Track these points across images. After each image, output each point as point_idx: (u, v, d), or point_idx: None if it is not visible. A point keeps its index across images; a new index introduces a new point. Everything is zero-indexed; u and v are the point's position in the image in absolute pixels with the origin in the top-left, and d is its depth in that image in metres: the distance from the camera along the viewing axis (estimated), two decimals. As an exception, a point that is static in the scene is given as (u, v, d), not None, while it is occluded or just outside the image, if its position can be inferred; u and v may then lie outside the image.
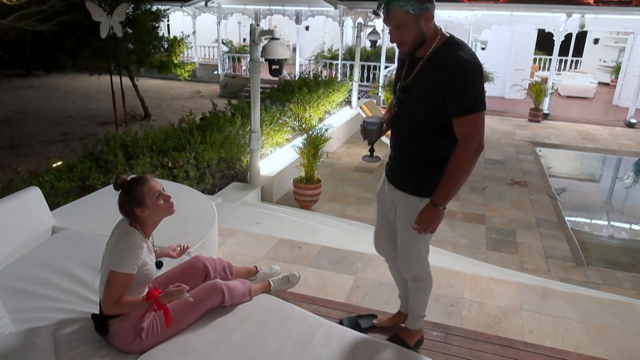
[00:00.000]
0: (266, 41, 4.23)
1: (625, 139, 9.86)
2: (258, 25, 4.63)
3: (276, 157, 6.19)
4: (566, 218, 5.68)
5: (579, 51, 17.69)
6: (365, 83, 12.91)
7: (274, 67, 4.18)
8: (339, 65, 13.66)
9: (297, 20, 13.65)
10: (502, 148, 8.77)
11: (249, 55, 5.91)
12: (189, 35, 12.07)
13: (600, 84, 15.99)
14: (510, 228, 5.22)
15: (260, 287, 2.46)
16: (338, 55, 13.84)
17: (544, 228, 5.25)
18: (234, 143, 5.35)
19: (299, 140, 5.80)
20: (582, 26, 11.21)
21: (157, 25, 10.42)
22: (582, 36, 16.37)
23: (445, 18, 12.48)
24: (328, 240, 3.73)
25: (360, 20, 13.15)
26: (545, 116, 11.45)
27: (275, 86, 8.58)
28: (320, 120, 8.24)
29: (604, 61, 17.73)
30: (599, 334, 2.58)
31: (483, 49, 12.24)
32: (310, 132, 5.60)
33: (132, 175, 2.00)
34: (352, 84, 10.23)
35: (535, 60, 15.87)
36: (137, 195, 1.90)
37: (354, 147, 8.46)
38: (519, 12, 11.51)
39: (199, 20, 15.86)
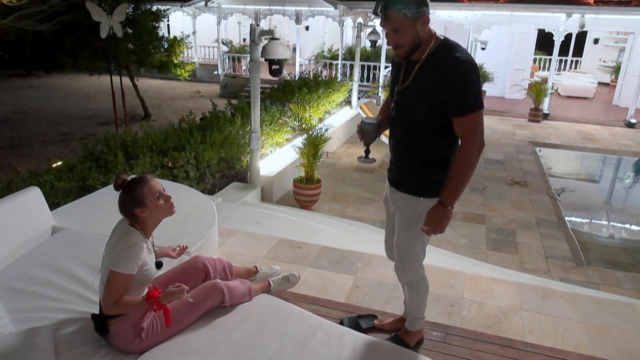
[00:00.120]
0: (266, 41, 4.23)
1: (625, 139, 9.86)
2: (258, 25, 4.63)
3: (276, 157, 6.19)
4: (566, 218, 5.69)
5: (579, 51, 17.70)
6: (365, 83, 12.91)
7: (274, 67, 4.18)
8: (339, 65, 13.66)
9: (297, 20, 13.65)
10: (502, 148, 8.77)
11: (249, 55, 5.91)
12: (189, 35, 12.07)
13: (600, 84, 16.00)
14: (510, 228, 5.22)
15: (260, 287, 2.46)
16: (338, 55, 13.83)
17: (544, 228, 5.25)
18: (234, 143, 5.35)
19: (299, 140, 5.80)
20: (582, 26, 11.22)
21: (157, 25, 10.42)
22: (582, 36, 16.38)
23: (445, 18, 12.48)
24: (328, 240, 3.73)
25: (360, 20, 13.15)
26: (545, 116, 11.45)
27: (275, 86, 8.58)
28: (320, 120, 8.24)
29: (604, 61, 17.74)
30: (599, 334, 2.58)
31: (483, 49, 12.25)
32: (310, 132, 5.60)
33: (133, 176, 2.00)
34: (352, 84, 10.22)
35: (535, 60, 15.87)
36: (138, 195, 1.90)
37: (354, 147, 8.46)
38: (519, 12, 11.51)
39: (199, 20, 15.86)
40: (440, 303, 2.81)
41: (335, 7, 12.74)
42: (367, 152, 2.26)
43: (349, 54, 13.64)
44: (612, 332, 2.60)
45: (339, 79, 10.69)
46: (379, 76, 13.21)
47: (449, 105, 1.80)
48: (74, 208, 3.26)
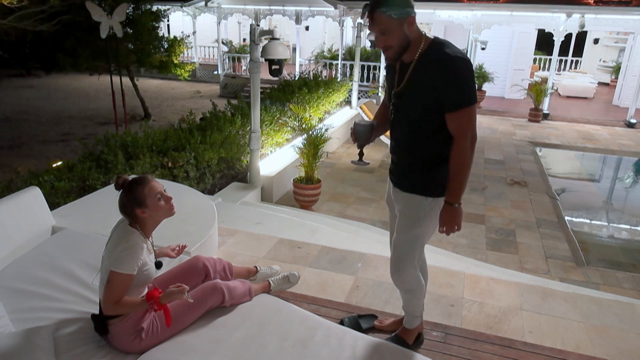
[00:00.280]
0: (266, 41, 4.23)
1: (625, 139, 9.86)
2: (258, 25, 4.63)
3: (276, 157, 6.19)
4: (566, 218, 5.69)
5: (579, 51, 17.70)
6: (365, 83, 12.91)
7: (274, 67, 4.18)
8: (339, 65, 13.66)
9: (297, 20, 13.65)
10: (502, 148, 8.77)
11: (249, 55, 5.91)
12: (189, 35, 12.06)
13: (600, 84, 16.00)
14: (510, 228, 5.22)
15: (260, 287, 2.46)
16: (338, 55, 13.83)
17: (544, 228, 5.25)
18: (234, 143, 5.35)
19: (299, 140, 5.80)
20: (582, 26, 11.22)
21: (157, 25, 10.41)
22: (582, 36, 16.38)
23: (445, 18, 12.49)
24: (328, 240, 3.73)
25: (360, 20, 13.14)
26: (545, 116, 11.45)
27: (275, 86, 8.58)
28: (320, 120, 8.24)
29: (604, 61, 17.74)
30: (599, 334, 2.58)
31: (483, 49, 12.24)
32: (310, 132, 5.60)
33: (134, 176, 2.00)
34: (352, 84, 10.22)
35: (535, 60, 15.88)
36: (138, 195, 1.90)
37: (354, 147, 8.36)
38: (519, 12, 11.51)
39: (199, 20, 15.86)
40: (440, 303, 2.80)
41: (335, 7, 12.74)
42: (361, 154, 2.29)
43: (349, 54, 13.64)
44: (612, 332, 2.60)
45: (339, 79, 10.69)
46: (379, 76, 13.20)
47: (442, 101, 1.83)
48: (74, 208, 3.26)
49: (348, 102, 10.41)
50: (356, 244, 3.68)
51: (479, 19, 11.86)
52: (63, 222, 2.96)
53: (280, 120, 6.43)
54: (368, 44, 12.86)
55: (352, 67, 12.60)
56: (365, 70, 13.17)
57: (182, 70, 11.55)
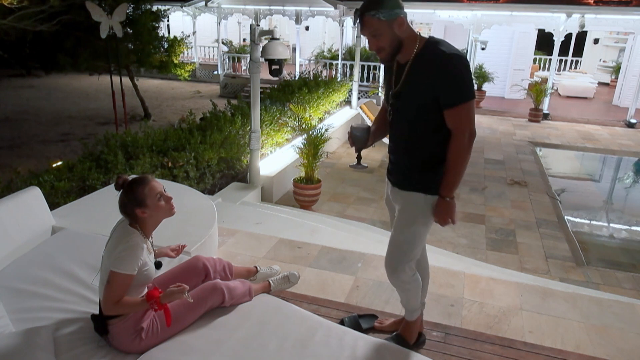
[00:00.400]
0: (266, 41, 4.23)
1: (625, 139, 9.86)
2: (258, 25, 4.63)
3: (276, 157, 6.19)
4: (566, 218, 5.69)
5: (579, 51, 17.70)
6: (365, 83, 12.91)
7: (274, 67, 4.18)
8: (339, 65, 13.66)
9: (297, 21, 13.65)
10: (502, 148, 8.77)
11: (249, 55, 5.91)
12: (189, 35, 12.06)
13: (600, 84, 16.00)
14: (510, 228, 5.22)
15: (260, 287, 2.46)
16: (338, 55, 13.83)
17: (544, 228, 5.25)
18: (234, 143, 5.35)
19: (299, 140, 5.80)
20: (582, 26, 11.21)
21: (157, 25, 10.41)
22: (582, 36, 16.38)
23: (445, 18, 12.49)
24: (328, 240, 3.73)
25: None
26: (545, 116, 11.45)
27: (275, 86, 8.58)
28: (320, 120, 8.23)
29: (604, 61, 17.74)
30: (599, 334, 2.58)
31: (483, 49, 12.25)
32: (310, 132, 5.60)
33: (134, 176, 2.00)
34: (352, 84, 10.22)
35: (535, 60, 15.88)
36: (139, 195, 1.90)
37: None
38: (519, 12, 11.51)
39: (199, 20, 15.86)
40: (440, 303, 2.80)
41: (335, 7, 12.74)
42: (359, 158, 2.30)
43: (349, 54, 13.64)
44: (612, 332, 2.60)
45: (339, 79, 10.69)
46: (379, 76, 13.21)
47: (440, 98, 1.84)
48: (74, 208, 3.26)
49: (348, 102, 10.41)
50: (356, 244, 3.68)
51: (479, 19, 11.86)
52: (63, 222, 2.96)
53: (280, 120, 6.43)
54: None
55: (352, 67, 12.60)
56: (365, 70, 13.17)
57: (182, 70, 11.55)
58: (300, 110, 6.63)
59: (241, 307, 2.22)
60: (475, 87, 12.68)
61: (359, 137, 2.15)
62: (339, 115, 9.30)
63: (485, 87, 12.94)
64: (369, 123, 7.98)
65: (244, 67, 14.91)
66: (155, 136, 4.87)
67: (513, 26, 12.82)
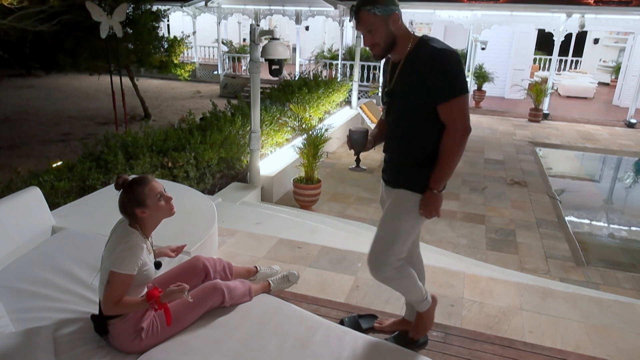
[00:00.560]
0: (266, 41, 4.23)
1: (625, 139, 9.86)
2: (258, 25, 4.63)
3: (276, 157, 6.19)
4: (566, 218, 5.68)
5: (579, 51, 17.70)
6: (365, 83, 12.91)
7: (274, 67, 4.18)
8: (339, 65, 13.66)
9: (297, 20, 13.65)
10: (502, 148, 8.77)
11: (249, 55, 5.91)
12: (189, 35, 12.06)
13: (600, 84, 16.00)
14: (510, 228, 5.22)
15: (260, 287, 2.46)
16: (338, 55, 13.83)
17: (544, 228, 5.25)
18: (234, 143, 5.35)
19: (299, 140, 5.80)
20: (582, 26, 11.21)
21: (157, 25, 10.41)
22: (582, 36, 16.38)
23: (445, 18, 12.49)
24: (328, 240, 3.73)
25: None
26: (545, 116, 11.45)
27: (275, 86, 8.58)
28: (320, 120, 8.23)
29: (604, 61, 17.74)
30: (599, 334, 2.58)
31: (483, 49, 12.24)
32: (310, 132, 5.60)
33: (134, 176, 2.00)
34: (352, 84, 10.22)
35: (535, 60, 15.88)
36: (139, 195, 1.90)
37: (354, 147, 8.44)
38: (519, 12, 11.51)
39: (199, 20, 15.86)
40: (440, 303, 2.79)
41: (335, 7, 12.74)
42: (358, 161, 2.33)
43: (349, 54, 13.64)
44: (612, 332, 2.60)
45: (339, 79, 10.69)
46: (379, 76, 13.20)
47: (433, 94, 1.85)
48: (74, 208, 3.26)
49: (348, 102, 10.41)
50: (356, 244, 3.68)
51: (479, 19, 11.86)
52: (63, 222, 2.96)
53: (280, 120, 6.42)
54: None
55: (352, 67, 12.60)
56: (365, 70, 13.17)
57: (182, 70, 11.55)
58: (300, 110, 6.63)
59: (241, 307, 2.22)
60: (475, 87, 12.84)
61: (358, 141, 2.17)
62: (339, 115, 9.29)
63: (485, 87, 12.95)
64: (369, 123, 7.99)
65: (244, 67, 14.92)
66: (155, 136, 4.87)
67: (513, 26, 12.82)
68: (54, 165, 4.69)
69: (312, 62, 14.64)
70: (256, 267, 2.69)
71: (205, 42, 16.83)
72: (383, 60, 2.19)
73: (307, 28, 17.59)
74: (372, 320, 2.54)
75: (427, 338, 2.40)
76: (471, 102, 12.70)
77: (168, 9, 12.60)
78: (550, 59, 12.90)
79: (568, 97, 14.63)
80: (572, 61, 17.58)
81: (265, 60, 4.22)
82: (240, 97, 7.23)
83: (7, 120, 10.67)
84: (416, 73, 1.88)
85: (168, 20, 16.67)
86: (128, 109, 9.60)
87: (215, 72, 15.70)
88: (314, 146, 5.47)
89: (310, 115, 7.37)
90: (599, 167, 9.04)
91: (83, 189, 3.90)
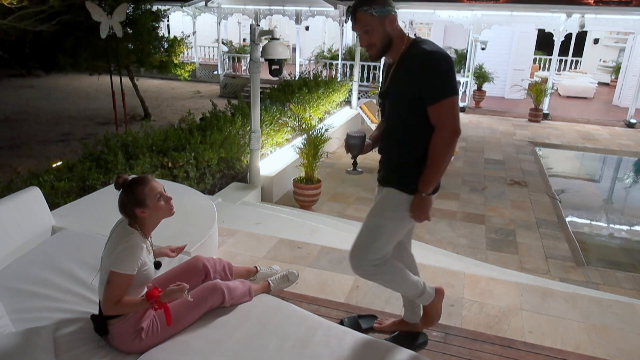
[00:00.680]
0: (266, 41, 4.23)
1: (625, 139, 9.86)
2: (258, 25, 4.63)
3: (276, 157, 6.19)
4: (566, 218, 5.69)
5: (579, 51, 17.70)
6: (365, 83, 12.91)
7: (274, 67, 4.18)
8: (339, 65, 13.66)
9: (297, 21, 13.65)
10: (502, 148, 8.77)
11: (249, 55, 5.90)
12: (189, 35, 12.06)
13: (600, 84, 16.00)
14: (510, 228, 5.22)
15: (260, 287, 2.46)
16: (338, 55, 13.83)
17: (544, 228, 5.25)
18: (234, 143, 5.35)
19: (299, 140, 5.80)
20: (582, 26, 11.21)
21: (157, 25, 10.41)
22: (582, 36, 16.38)
23: (445, 18, 12.48)
24: (328, 240, 3.73)
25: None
26: (545, 116, 11.46)
27: (275, 86, 8.58)
28: (320, 120, 8.24)
29: (604, 61, 17.74)
30: (599, 334, 2.58)
31: (483, 49, 12.24)
32: (310, 132, 5.60)
33: (134, 175, 2.01)
34: (352, 84, 10.22)
35: (535, 60, 15.88)
36: (138, 195, 1.90)
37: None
38: (519, 12, 11.51)
39: (199, 20, 15.85)
40: (440, 303, 2.80)
41: (335, 7, 12.74)
42: (355, 164, 2.33)
43: (349, 54, 13.64)
44: (612, 332, 2.60)
45: (339, 79, 10.69)
46: (379, 76, 13.20)
47: (423, 95, 1.86)
48: (74, 208, 3.26)
49: (348, 102, 10.41)
50: (356, 244, 3.67)
51: (479, 19, 11.86)
52: (63, 222, 2.96)
53: (280, 120, 6.42)
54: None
55: (352, 67, 12.60)
56: (365, 70, 13.18)
57: (182, 70, 11.55)
58: (300, 110, 6.63)
59: (241, 307, 2.22)
60: (475, 87, 12.84)
61: (355, 145, 2.18)
62: (339, 115, 9.30)
63: (485, 87, 12.95)
64: (369, 123, 7.99)
65: (244, 67, 14.92)
66: (155, 136, 4.87)
67: (513, 26, 12.82)
68: (54, 165, 4.69)
69: (312, 62, 14.64)
70: (256, 267, 2.69)
71: (205, 42, 16.83)
72: (383, 60, 2.20)
73: (307, 28, 17.59)
74: (371, 321, 2.54)
75: (427, 338, 2.41)
76: (471, 102, 12.70)
77: (168, 9, 12.60)
78: (550, 59, 12.90)
79: (568, 97, 14.63)
80: (572, 61, 17.57)
81: (265, 60, 4.22)
82: (240, 97, 7.23)
83: (7, 120, 10.66)
84: (408, 74, 1.90)
85: (168, 20, 16.67)
86: (128, 109, 9.60)
87: (215, 72, 15.70)
88: (314, 146, 5.47)
89: (310, 115, 7.37)
90: (599, 167, 9.04)
91: (83, 189, 3.90)
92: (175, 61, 11.18)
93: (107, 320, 1.92)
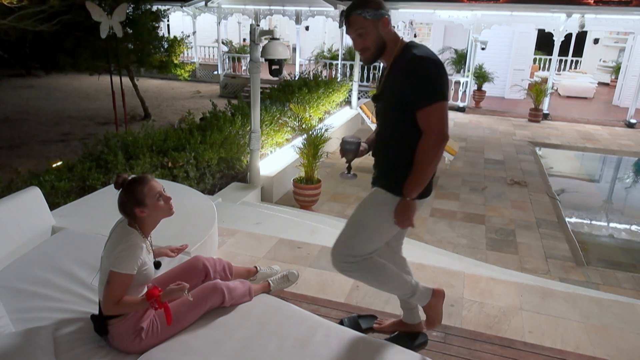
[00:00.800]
0: (266, 41, 4.23)
1: (625, 139, 9.86)
2: (258, 25, 4.63)
3: (276, 157, 6.19)
4: (566, 218, 5.69)
5: (579, 51, 17.70)
6: (365, 83, 12.92)
7: (274, 67, 4.18)
8: (339, 65, 13.67)
9: (297, 20, 13.65)
10: (502, 148, 8.77)
11: (249, 55, 5.90)
12: (189, 35, 12.06)
13: (600, 84, 16.00)
14: (510, 228, 5.22)
15: (260, 287, 2.46)
16: (338, 55, 13.84)
17: (543, 228, 5.25)
18: (234, 143, 5.35)
19: (299, 140, 5.80)
20: (582, 26, 11.22)
21: (157, 25, 10.41)
22: (582, 36, 16.38)
23: (445, 18, 12.49)
24: (328, 240, 3.70)
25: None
26: (545, 116, 11.46)
27: (275, 86, 8.58)
28: (320, 120, 8.24)
29: (604, 61, 17.74)
30: (599, 334, 2.58)
31: (483, 49, 12.24)
32: (310, 132, 5.60)
33: (133, 175, 2.01)
34: (352, 84, 10.22)
35: (535, 60, 15.88)
36: (138, 195, 1.91)
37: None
38: (519, 12, 11.51)
39: (199, 20, 15.85)
40: (440, 303, 2.80)
41: (335, 7, 12.74)
42: (349, 168, 2.33)
43: (349, 54, 13.64)
44: (612, 332, 2.60)
45: (339, 79, 10.69)
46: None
47: (413, 99, 1.86)
48: (74, 208, 3.26)
49: (348, 102, 10.41)
50: (356, 244, 3.67)
51: (479, 19, 11.86)
52: (63, 222, 2.96)
53: (280, 120, 6.43)
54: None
55: (352, 67, 12.61)
56: (365, 70, 13.17)
57: (182, 70, 11.55)
58: (300, 110, 6.63)
59: (241, 307, 2.22)
60: (475, 87, 12.83)
61: (349, 150, 2.18)
62: (339, 115, 9.30)
63: (485, 87, 12.95)
64: (369, 123, 7.99)
65: (244, 67, 14.92)
66: (155, 136, 4.87)
67: (513, 26, 12.82)
68: (54, 165, 4.69)
69: (312, 62, 14.64)
70: (256, 267, 2.69)
71: (205, 42, 16.83)
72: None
73: (307, 28, 17.59)
74: (371, 321, 2.54)
75: (427, 338, 2.41)
76: (471, 102, 12.70)
77: (168, 9, 12.60)
78: (550, 59, 12.90)
79: (568, 97, 14.63)
80: (572, 61, 17.58)
81: (265, 60, 4.23)
82: (240, 97, 7.24)
83: (7, 120, 10.66)
84: (398, 78, 1.90)
85: (168, 20, 16.67)
86: (128, 109, 9.60)
87: (215, 72, 15.70)
88: (314, 146, 5.47)
89: (310, 115, 7.37)
90: (598, 167, 9.04)
91: (83, 189, 3.90)
92: (175, 61, 11.18)
93: (107, 320, 1.92)
